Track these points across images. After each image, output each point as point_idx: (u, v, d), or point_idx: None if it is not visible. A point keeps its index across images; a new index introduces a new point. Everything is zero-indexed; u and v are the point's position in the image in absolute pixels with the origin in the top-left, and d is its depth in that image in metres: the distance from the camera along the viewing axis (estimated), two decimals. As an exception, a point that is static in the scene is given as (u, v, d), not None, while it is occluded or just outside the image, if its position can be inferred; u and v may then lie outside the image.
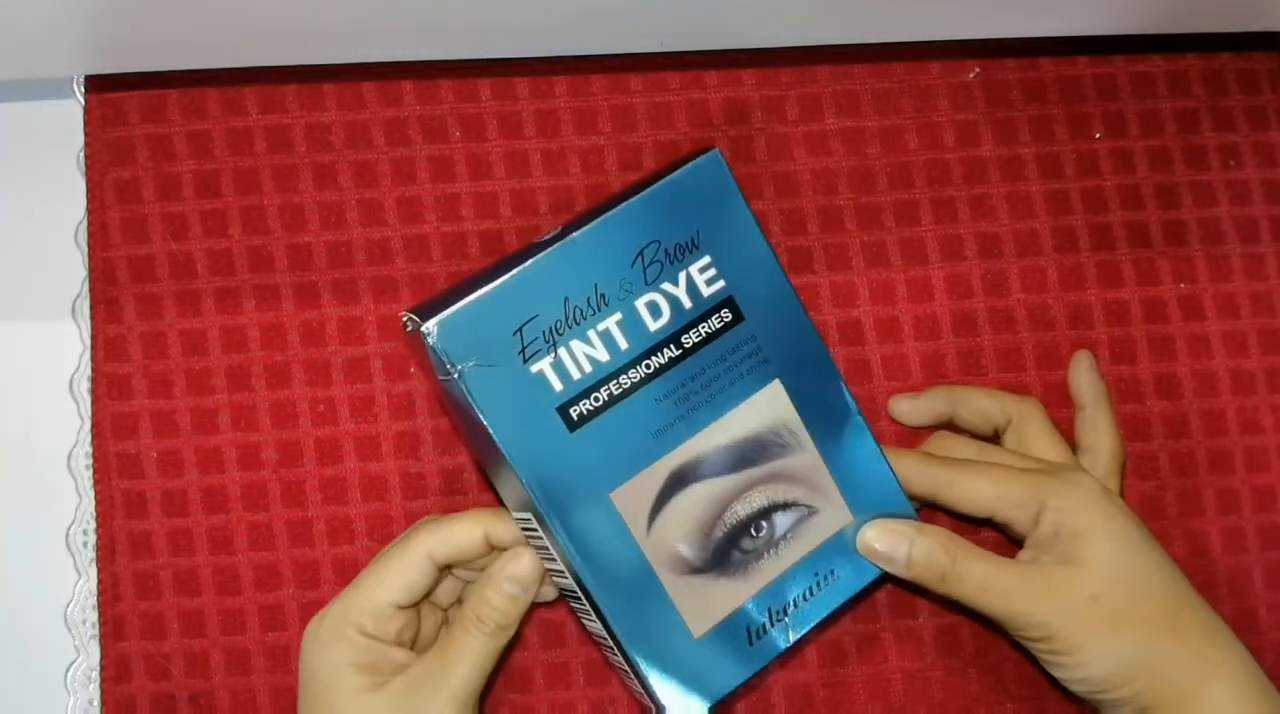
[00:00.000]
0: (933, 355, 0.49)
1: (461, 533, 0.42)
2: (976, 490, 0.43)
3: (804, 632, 0.44)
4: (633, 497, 0.42)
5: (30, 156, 0.50)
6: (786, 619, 0.44)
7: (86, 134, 0.50)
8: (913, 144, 0.50)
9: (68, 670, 0.48)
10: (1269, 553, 0.49)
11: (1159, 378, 0.49)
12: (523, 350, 0.40)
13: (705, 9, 0.44)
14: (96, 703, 0.48)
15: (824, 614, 0.44)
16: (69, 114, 0.50)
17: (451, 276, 0.49)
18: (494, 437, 0.40)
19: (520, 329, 0.40)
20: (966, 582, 0.42)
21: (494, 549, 0.43)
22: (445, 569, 0.43)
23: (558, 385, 0.41)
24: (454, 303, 0.40)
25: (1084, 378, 0.48)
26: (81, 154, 0.50)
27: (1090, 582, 0.41)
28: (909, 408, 0.47)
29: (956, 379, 0.49)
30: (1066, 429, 0.47)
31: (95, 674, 0.48)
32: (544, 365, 0.40)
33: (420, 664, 0.42)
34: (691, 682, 0.43)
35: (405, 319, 0.40)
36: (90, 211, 0.49)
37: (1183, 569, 0.43)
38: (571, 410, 0.41)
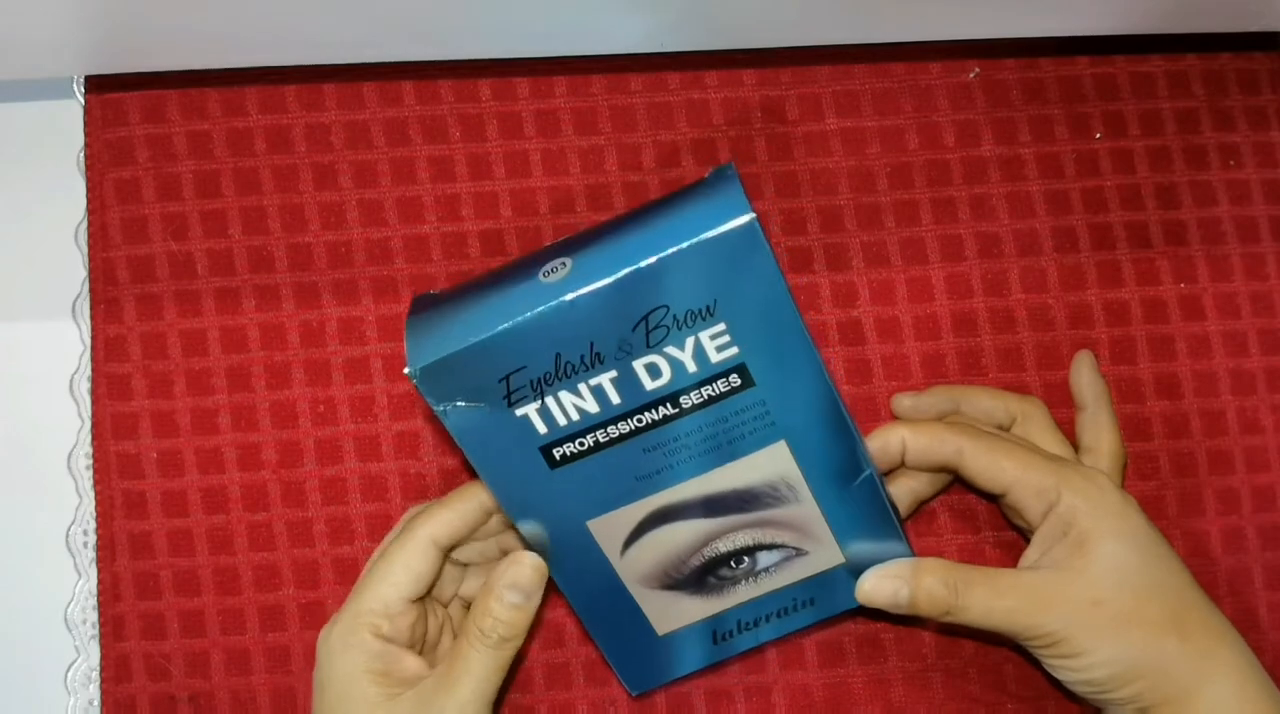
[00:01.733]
0: (933, 355, 0.49)
1: (458, 510, 0.43)
2: (999, 466, 0.43)
3: (773, 638, 0.45)
4: (610, 526, 0.42)
5: (30, 156, 0.50)
6: (756, 629, 0.45)
7: (86, 134, 0.50)
8: (913, 144, 0.50)
9: (68, 670, 0.48)
10: (1269, 553, 0.49)
11: (1159, 378, 0.49)
12: (508, 395, 0.39)
13: (705, 9, 0.44)
14: (96, 703, 0.48)
15: (797, 628, 0.45)
16: (69, 114, 0.50)
17: (451, 276, 0.49)
18: (474, 466, 0.40)
19: (507, 377, 0.39)
20: (971, 610, 0.42)
21: (493, 515, 0.43)
22: (447, 553, 0.43)
23: (542, 429, 0.40)
24: (442, 346, 0.38)
25: (1085, 378, 0.47)
26: (81, 154, 0.50)
27: (1093, 587, 0.41)
28: (912, 405, 0.47)
29: (957, 379, 0.49)
30: (1068, 429, 0.47)
31: (95, 674, 0.48)
32: (529, 410, 0.39)
33: (429, 679, 0.41)
34: (648, 664, 0.45)
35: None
36: (90, 212, 0.49)
37: (1183, 569, 0.43)
38: (554, 451, 0.40)
